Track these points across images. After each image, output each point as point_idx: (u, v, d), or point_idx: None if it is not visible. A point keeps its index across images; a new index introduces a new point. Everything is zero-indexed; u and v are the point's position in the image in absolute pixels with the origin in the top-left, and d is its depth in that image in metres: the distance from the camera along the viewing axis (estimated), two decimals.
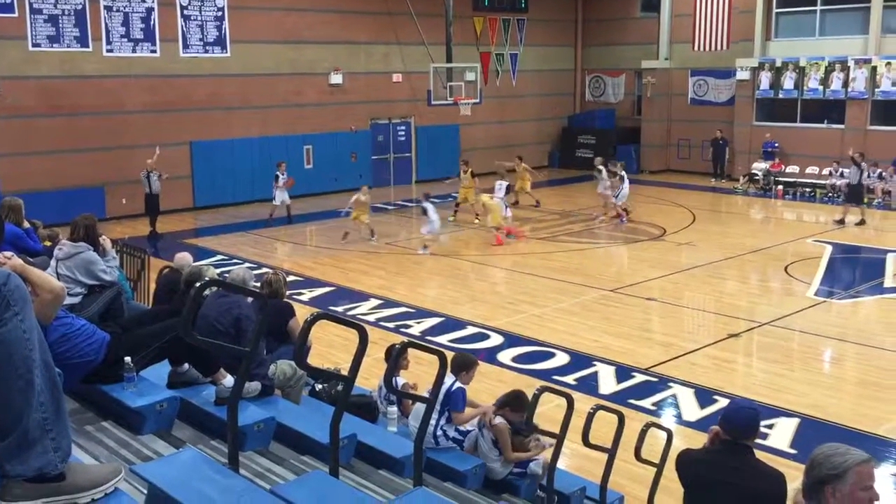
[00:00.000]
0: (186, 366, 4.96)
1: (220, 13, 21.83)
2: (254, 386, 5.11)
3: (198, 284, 3.77)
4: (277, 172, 19.81)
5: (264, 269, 13.49)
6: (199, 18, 21.51)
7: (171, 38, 21.06)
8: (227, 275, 6.90)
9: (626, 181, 20.04)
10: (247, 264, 14.96)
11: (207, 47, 21.79)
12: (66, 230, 6.64)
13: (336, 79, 24.27)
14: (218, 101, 21.98)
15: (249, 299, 5.56)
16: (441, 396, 5.79)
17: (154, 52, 20.83)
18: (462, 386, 6.20)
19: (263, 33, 22.60)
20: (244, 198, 22.37)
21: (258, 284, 7.04)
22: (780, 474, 3.95)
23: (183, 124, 21.12)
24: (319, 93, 24.12)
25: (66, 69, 19.51)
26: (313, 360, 6.21)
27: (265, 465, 4.27)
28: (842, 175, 23.57)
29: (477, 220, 19.78)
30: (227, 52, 22.11)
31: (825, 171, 24.13)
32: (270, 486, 3.80)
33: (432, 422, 5.67)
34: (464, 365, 6.30)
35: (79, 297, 6.13)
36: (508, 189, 18.87)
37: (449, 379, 6.00)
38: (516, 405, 6.14)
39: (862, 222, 19.83)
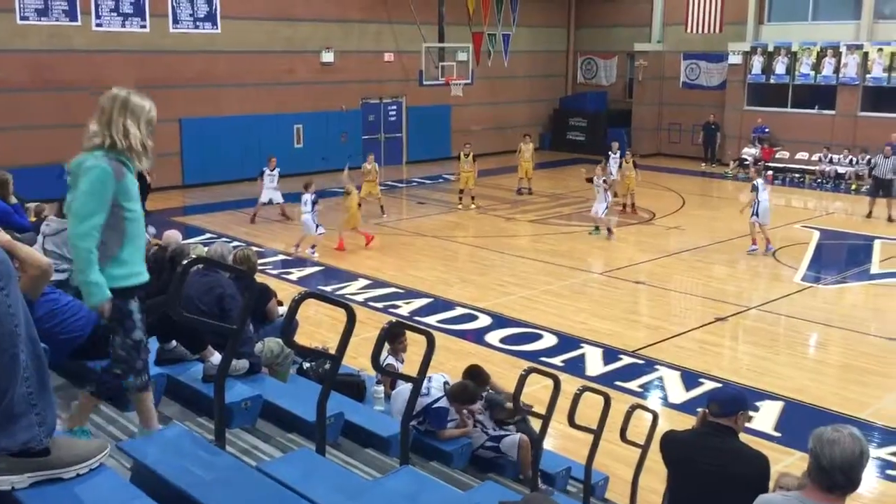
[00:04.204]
0: (174, 343, 4.96)
1: None
2: (241, 364, 5.12)
3: (185, 262, 3.76)
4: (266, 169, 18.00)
5: (254, 248, 13.46)
6: None
7: (160, 13, 20.86)
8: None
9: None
10: (235, 243, 14.93)
11: (198, 23, 21.59)
12: (54, 206, 6.61)
13: (327, 57, 24.10)
14: (208, 78, 21.80)
15: (228, 275, 5.54)
16: (420, 409, 5.70)
17: (144, 27, 20.63)
18: (448, 406, 5.92)
19: (255, 9, 22.39)
20: (234, 176, 22.23)
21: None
22: (763, 457, 4.00)
23: (172, 101, 20.90)
24: (310, 71, 23.96)
25: (55, 43, 19.30)
26: (301, 338, 6.21)
27: (252, 443, 4.29)
28: (831, 161, 23.67)
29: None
30: (217, 29, 21.91)
31: (815, 157, 24.19)
32: (257, 463, 3.81)
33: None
34: (465, 397, 6.01)
35: (66, 273, 6.10)
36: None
37: (438, 392, 5.95)
38: (478, 380, 6.25)
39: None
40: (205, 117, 21.82)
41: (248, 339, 5.38)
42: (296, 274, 14.20)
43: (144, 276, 3.59)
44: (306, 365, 6.78)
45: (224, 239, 15.86)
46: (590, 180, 17.05)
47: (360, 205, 16.72)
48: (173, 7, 21.08)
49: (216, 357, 4.72)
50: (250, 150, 22.06)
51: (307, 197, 15.22)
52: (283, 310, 6.87)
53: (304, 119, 23.87)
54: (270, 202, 18.20)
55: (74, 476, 2.69)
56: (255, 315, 6.62)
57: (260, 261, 13.23)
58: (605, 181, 16.91)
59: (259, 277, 7.77)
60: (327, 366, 6.06)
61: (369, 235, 16.18)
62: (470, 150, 19.91)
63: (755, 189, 15.73)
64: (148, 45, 20.66)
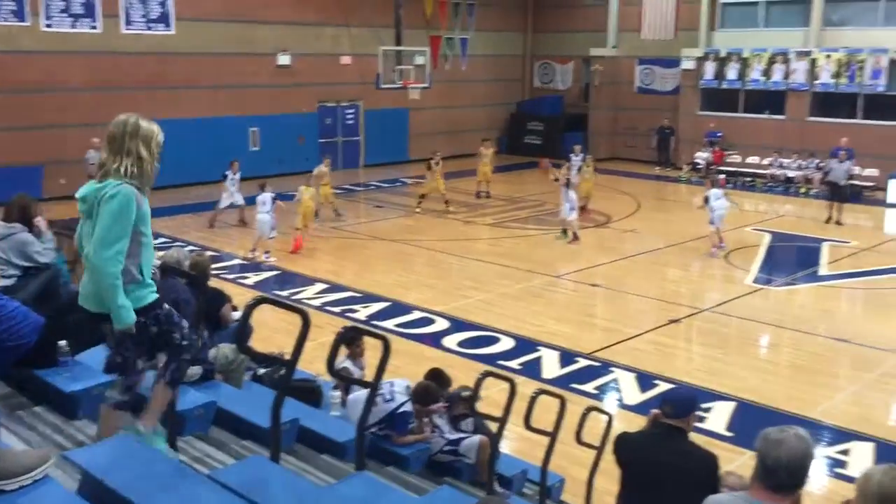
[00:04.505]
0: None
1: None
2: (194, 370, 5.05)
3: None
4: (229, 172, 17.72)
5: (210, 253, 13.30)
6: None
7: (112, 14, 20.52)
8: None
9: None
10: (191, 247, 14.75)
11: (150, 24, 21.29)
12: (0, 211, 6.45)
13: (284, 60, 23.93)
14: (162, 80, 21.48)
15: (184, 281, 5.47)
16: (384, 414, 5.70)
17: (94, 28, 20.29)
18: (410, 410, 5.90)
19: (209, 11, 22.13)
20: (189, 179, 21.91)
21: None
22: (712, 455, 4.07)
23: (126, 103, 20.32)
24: (266, 74, 23.77)
25: (3, 44, 18.86)
26: (256, 344, 6.15)
27: (205, 451, 4.23)
28: (781, 165, 24.15)
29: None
30: (171, 30, 21.63)
31: (765, 161, 24.65)
32: (209, 471, 3.76)
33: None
34: (428, 399, 5.99)
35: (13, 279, 5.96)
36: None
37: (402, 397, 5.91)
38: (440, 381, 6.25)
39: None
40: (159, 119, 21.26)
41: (202, 345, 5.31)
42: (252, 278, 14.06)
43: (156, 293, 3.75)
44: (261, 371, 6.71)
45: (179, 243, 15.64)
46: (557, 180, 17.25)
47: (317, 213, 16.65)
48: (125, 8, 20.75)
49: None
50: (205, 153, 21.79)
51: (265, 197, 15.05)
52: (237, 315, 6.80)
53: (260, 122, 23.67)
54: (231, 206, 17.97)
55: (18, 488, 2.63)
56: (208, 320, 6.54)
57: (217, 265, 13.11)
58: (567, 180, 17.07)
59: (215, 282, 7.69)
60: (283, 371, 6.01)
61: (302, 241, 15.97)
62: (439, 158, 19.94)
63: (707, 200, 16.14)
64: (99, 46, 20.31)
